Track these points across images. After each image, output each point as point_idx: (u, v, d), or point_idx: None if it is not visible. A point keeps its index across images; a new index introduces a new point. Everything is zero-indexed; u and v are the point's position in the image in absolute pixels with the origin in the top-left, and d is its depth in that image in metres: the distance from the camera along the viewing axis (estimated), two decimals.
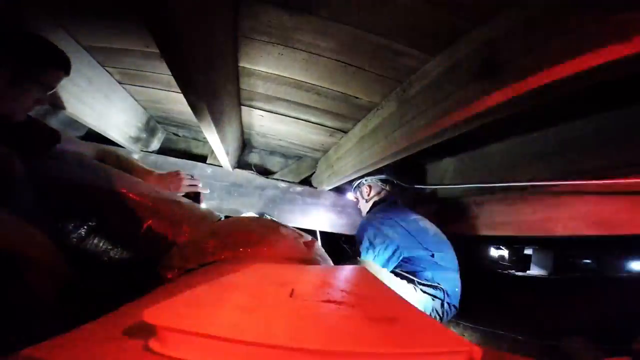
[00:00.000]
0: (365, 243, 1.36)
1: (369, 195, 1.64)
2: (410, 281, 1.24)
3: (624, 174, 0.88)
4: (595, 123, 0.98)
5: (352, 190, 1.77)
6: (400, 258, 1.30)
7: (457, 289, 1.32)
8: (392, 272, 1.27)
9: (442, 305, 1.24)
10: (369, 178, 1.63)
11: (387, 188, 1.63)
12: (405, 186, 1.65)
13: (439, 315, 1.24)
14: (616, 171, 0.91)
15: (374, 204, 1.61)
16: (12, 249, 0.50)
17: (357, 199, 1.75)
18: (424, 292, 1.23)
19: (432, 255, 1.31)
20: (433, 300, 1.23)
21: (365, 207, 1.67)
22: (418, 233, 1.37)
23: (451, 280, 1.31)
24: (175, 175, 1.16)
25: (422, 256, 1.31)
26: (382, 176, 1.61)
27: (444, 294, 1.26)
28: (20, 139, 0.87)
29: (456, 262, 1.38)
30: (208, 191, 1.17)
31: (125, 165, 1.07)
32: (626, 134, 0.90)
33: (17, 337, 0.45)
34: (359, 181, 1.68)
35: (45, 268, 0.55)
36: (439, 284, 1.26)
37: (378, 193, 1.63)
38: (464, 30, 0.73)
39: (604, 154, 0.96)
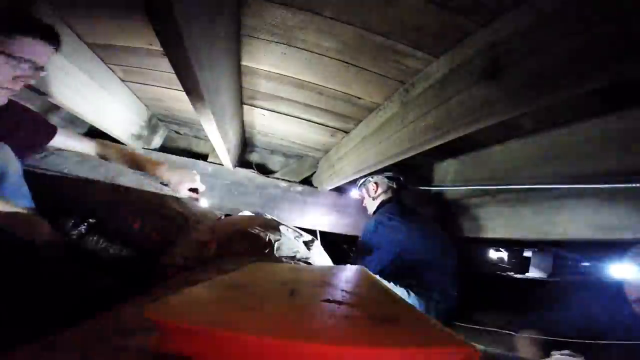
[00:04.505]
0: (370, 248, 1.36)
1: (375, 192, 1.60)
2: (404, 286, 1.23)
3: (626, 179, 0.88)
4: (599, 126, 0.97)
5: (357, 187, 1.73)
6: (403, 262, 1.30)
7: (455, 293, 1.32)
8: (387, 276, 1.26)
9: (437, 307, 1.24)
10: (375, 175, 1.59)
11: (394, 186, 1.59)
12: (406, 186, 1.64)
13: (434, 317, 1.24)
14: (618, 176, 0.91)
15: (381, 204, 1.57)
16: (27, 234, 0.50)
17: (362, 196, 1.71)
18: (418, 294, 1.23)
19: (433, 259, 1.31)
20: (428, 303, 1.23)
21: (371, 205, 1.63)
22: (422, 236, 1.36)
23: (449, 283, 1.31)
24: (189, 173, 1.08)
25: (423, 260, 1.31)
26: (390, 173, 1.58)
27: (440, 297, 1.26)
28: (15, 131, 0.86)
29: (456, 264, 1.38)
30: (204, 188, 1.13)
31: (129, 159, 1.05)
32: (632, 139, 0.90)
33: (19, 331, 0.45)
34: (365, 178, 1.63)
35: (50, 245, 0.55)
36: (435, 287, 1.26)
37: (385, 191, 1.59)
38: (469, 31, 0.73)
39: (607, 158, 0.95)
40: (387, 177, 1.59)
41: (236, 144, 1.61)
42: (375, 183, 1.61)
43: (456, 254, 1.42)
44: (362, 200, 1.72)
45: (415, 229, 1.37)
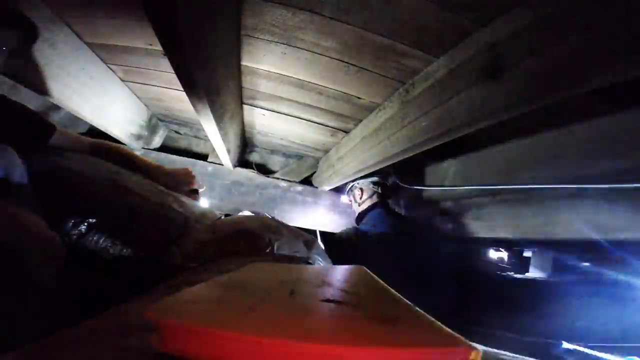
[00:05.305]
0: (359, 256, 1.38)
1: (361, 198, 1.63)
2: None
3: (626, 179, 0.88)
4: (599, 126, 0.97)
5: (346, 193, 1.76)
6: (396, 266, 1.31)
7: (452, 293, 1.32)
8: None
9: (435, 308, 1.25)
10: (360, 181, 1.61)
11: (379, 191, 1.61)
12: (405, 187, 1.64)
13: None
14: (618, 176, 0.91)
15: (367, 210, 1.58)
16: (8, 236, 0.50)
17: (350, 201, 1.75)
18: (416, 295, 1.24)
19: (427, 261, 1.32)
20: (426, 304, 1.24)
21: (358, 210, 1.65)
22: (411, 241, 1.37)
23: (446, 284, 1.32)
24: (186, 172, 1.12)
25: (416, 262, 1.31)
26: (375, 178, 1.60)
27: (437, 298, 1.26)
28: (14, 131, 0.85)
29: (452, 265, 1.39)
30: (204, 187, 1.14)
31: (128, 161, 1.05)
32: (632, 139, 0.90)
33: (16, 331, 0.45)
34: (351, 184, 1.66)
35: (43, 253, 0.55)
36: (432, 287, 1.27)
37: (370, 196, 1.61)
38: (469, 31, 0.73)
39: (607, 158, 0.95)
40: (373, 183, 1.60)
41: (236, 143, 1.61)
42: (361, 189, 1.62)
43: (451, 254, 1.43)
44: (350, 204, 1.75)
45: (402, 234, 1.38)
